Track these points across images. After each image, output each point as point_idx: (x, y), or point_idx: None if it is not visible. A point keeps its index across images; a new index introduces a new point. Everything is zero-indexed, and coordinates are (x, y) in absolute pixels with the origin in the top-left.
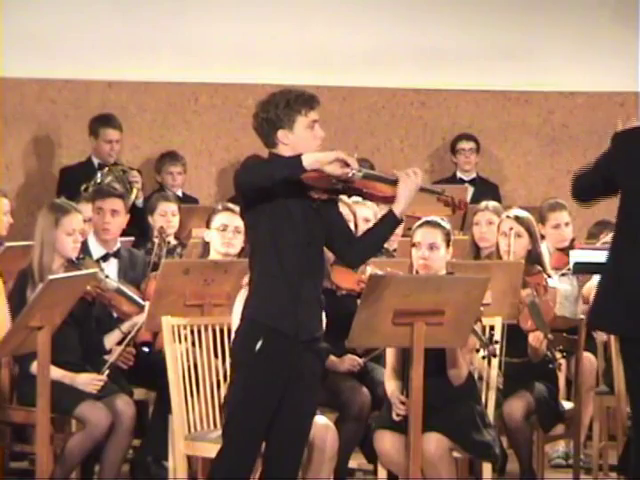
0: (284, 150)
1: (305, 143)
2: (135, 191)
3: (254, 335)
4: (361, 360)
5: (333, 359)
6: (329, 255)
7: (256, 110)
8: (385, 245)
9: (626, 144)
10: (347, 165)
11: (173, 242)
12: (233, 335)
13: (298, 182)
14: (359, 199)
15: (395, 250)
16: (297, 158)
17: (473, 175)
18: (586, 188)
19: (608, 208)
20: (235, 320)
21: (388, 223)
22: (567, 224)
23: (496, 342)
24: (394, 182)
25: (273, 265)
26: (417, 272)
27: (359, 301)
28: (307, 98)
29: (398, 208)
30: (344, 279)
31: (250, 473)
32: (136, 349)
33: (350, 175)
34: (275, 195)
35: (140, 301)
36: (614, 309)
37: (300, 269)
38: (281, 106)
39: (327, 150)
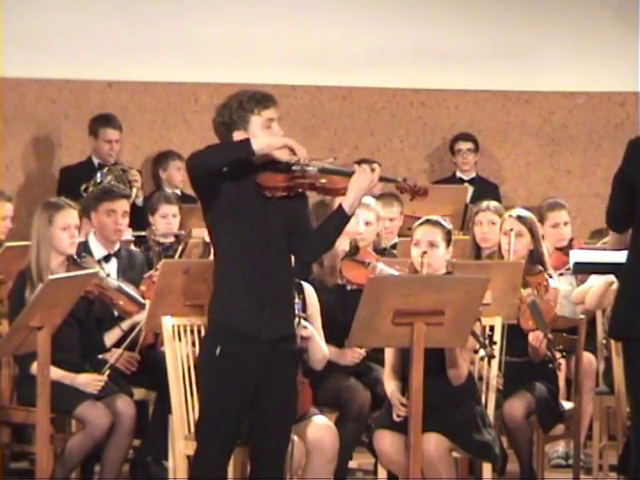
0: None
1: None
2: (135, 190)
3: (216, 338)
4: (362, 350)
5: (334, 351)
6: (337, 251)
7: (214, 115)
8: (383, 244)
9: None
10: (295, 154)
11: (169, 241)
12: None
13: (252, 182)
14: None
15: (393, 247)
16: (247, 141)
17: (473, 175)
18: (617, 215)
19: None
20: None
21: (337, 218)
22: (566, 224)
23: (494, 343)
24: (347, 174)
25: (233, 265)
26: (416, 271)
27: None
28: (260, 97)
29: (347, 202)
30: (355, 274)
31: (224, 469)
32: (141, 354)
33: (298, 163)
34: (232, 195)
35: (141, 300)
36: None
37: (261, 268)
38: (234, 108)
39: (326, 150)
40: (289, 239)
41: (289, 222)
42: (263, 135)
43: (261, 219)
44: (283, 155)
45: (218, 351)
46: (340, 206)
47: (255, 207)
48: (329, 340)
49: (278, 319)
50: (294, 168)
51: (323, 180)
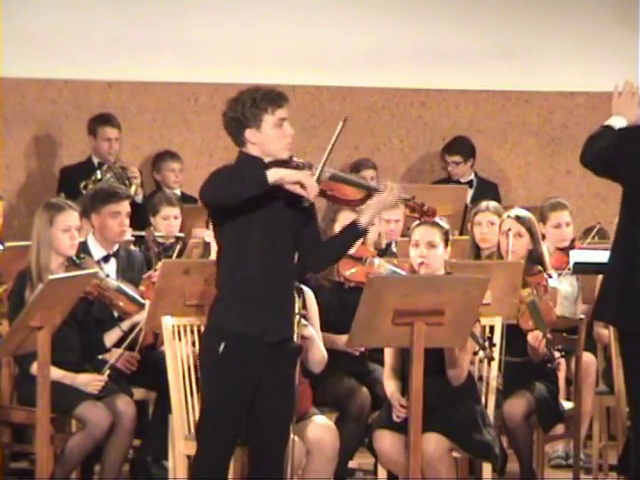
0: (253, 149)
1: (273, 141)
2: (134, 187)
3: (219, 337)
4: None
5: (332, 337)
6: None
7: (225, 109)
8: (383, 244)
9: (631, 141)
10: (305, 188)
11: (169, 242)
12: None
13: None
14: None
15: (389, 245)
16: (263, 175)
17: (470, 178)
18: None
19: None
20: None
21: (352, 233)
22: (568, 224)
23: (493, 345)
24: (364, 187)
25: (236, 267)
26: (415, 271)
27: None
28: (274, 96)
29: (364, 219)
30: (352, 271)
31: (225, 469)
32: (141, 354)
33: (310, 167)
34: None
35: (141, 300)
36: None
37: (265, 270)
38: (247, 105)
39: (324, 150)
40: (295, 245)
41: (295, 227)
42: (276, 135)
43: (265, 221)
44: (295, 189)
45: (221, 348)
46: (356, 222)
47: (260, 209)
48: (325, 332)
49: (281, 322)
50: (307, 172)
51: (334, 188)
